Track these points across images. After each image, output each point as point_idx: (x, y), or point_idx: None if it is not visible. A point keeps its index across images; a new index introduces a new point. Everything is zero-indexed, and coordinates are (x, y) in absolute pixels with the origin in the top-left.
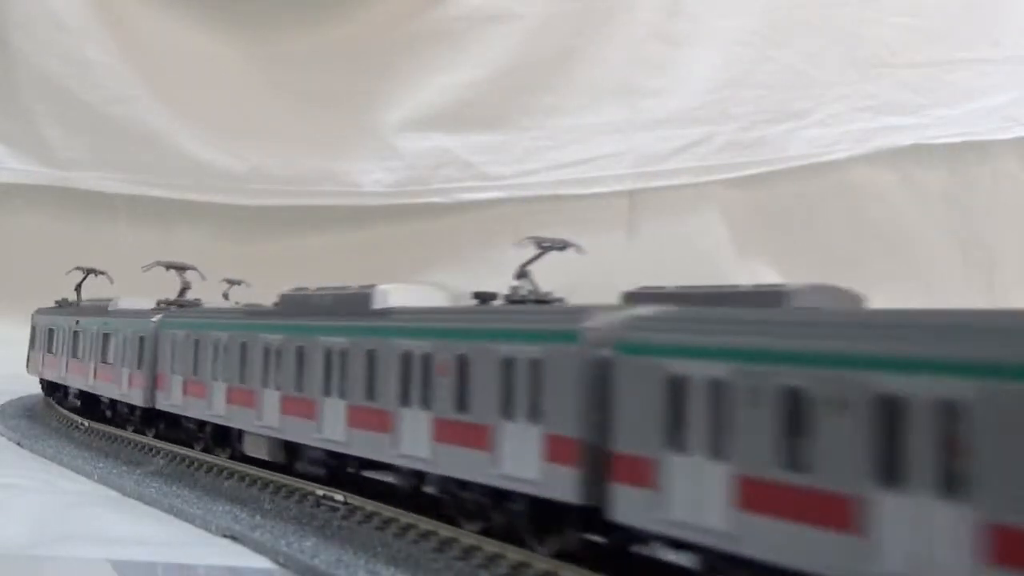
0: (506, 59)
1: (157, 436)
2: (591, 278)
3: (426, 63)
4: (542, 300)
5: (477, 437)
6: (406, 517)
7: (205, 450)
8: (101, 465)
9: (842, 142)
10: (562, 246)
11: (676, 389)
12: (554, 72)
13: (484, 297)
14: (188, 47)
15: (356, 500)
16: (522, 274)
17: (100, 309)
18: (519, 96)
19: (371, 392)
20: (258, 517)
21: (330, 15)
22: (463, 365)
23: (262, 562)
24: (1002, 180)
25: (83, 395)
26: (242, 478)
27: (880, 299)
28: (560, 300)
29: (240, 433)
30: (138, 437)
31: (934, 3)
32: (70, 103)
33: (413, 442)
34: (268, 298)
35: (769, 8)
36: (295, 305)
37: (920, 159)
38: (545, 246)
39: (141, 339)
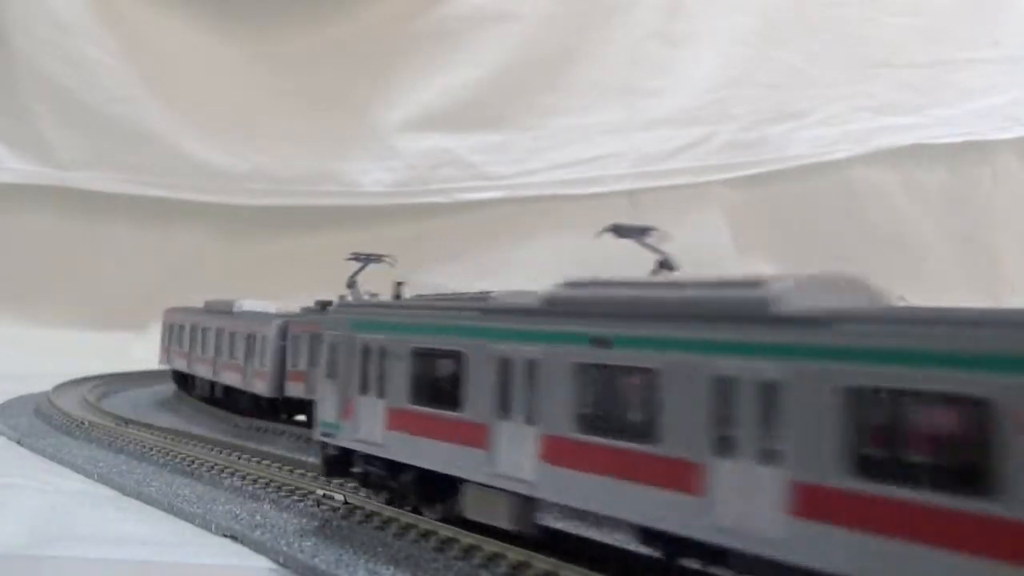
0: (506, 59)
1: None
2: None
3: (426, 63)
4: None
5: None
6: (406, 517)
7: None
8: (101, 464)
9: (842, 142)
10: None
11: None
12: (554, 72)
13: None
14: (188, 47)
15: (356, 500)
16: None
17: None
18: (519, 96)
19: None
20: (258, 517)
21: (330, 15)
22: None
23: (262, 562)
24: (1002, 180)
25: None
26: (242, 477)
27: None
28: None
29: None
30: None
31: (934, 3)
32: (70, 103)
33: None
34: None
35: (769, 8)
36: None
37: (920, 159)
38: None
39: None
